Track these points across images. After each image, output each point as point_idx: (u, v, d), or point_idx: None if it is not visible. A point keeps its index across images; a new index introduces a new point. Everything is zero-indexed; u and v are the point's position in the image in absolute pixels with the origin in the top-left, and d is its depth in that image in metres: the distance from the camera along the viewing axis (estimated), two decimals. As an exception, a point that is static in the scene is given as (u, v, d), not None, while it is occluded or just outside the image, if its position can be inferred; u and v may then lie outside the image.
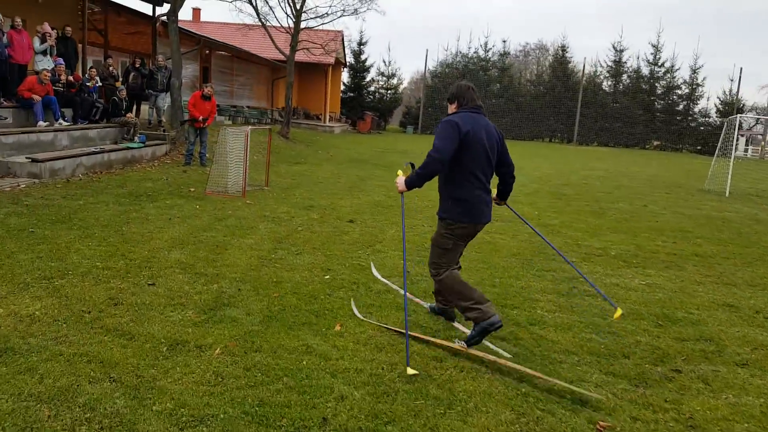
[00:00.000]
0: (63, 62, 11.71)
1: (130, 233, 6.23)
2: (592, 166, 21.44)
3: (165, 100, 14.50)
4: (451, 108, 3.85)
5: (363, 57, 41.15)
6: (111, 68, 14.09)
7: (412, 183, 3.66)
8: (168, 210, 7.63)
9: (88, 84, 12.54)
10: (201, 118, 12.00)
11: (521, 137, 39.57)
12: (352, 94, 41.31)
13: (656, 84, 39.91)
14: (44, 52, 11.72)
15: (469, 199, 3.72)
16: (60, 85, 11.61)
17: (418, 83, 57.65)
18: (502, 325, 3.69)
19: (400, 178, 3.78)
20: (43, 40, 11.84)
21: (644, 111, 39.37)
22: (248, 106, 27.42)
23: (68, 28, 13.00)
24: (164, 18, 17.38)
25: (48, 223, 6.35)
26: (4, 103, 10.66)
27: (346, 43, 35.66)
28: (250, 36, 28.63)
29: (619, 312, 3.99)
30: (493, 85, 41.00)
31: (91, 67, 12.88)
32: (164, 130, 13.98)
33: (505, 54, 42.50)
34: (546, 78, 41.97)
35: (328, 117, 34.34)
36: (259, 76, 30.66)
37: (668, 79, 39.81)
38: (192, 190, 9.29)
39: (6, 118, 10.12)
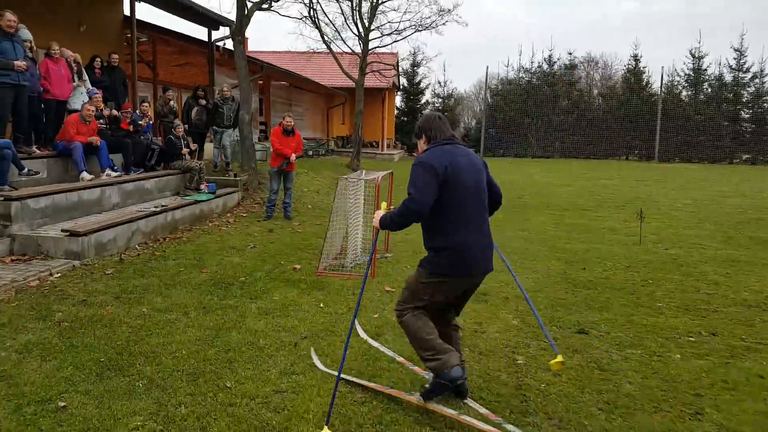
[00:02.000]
0: (97, 91, 9.13)
1: (242, 391, 3.36)
2: (732, 186, 17.94)
3: (232, 138, 11.89)
4: (421, 144, 3.30)
5: (417, 79, 38.57)
6: (171, 102, 11.53)
7: (386, 226, 3.19)
8: (281, 316, 4.78)
9: (140, 122, 9.98)
10: (293, 157, 9.33)
11: (596, 155, 36.06)
12: (405, 119, 38.69)
13: (742, 92, 35.96)
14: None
15: (454, 247, 3.07)
16: (102, 122, 9.04)
17: (470, 101, 54.90)
18: (463, 380, 3.14)
19: (379, 213, 3.28)
20: (78, 73, 9.37)
21: (730, 122, 35.43)
22: (305, 138, 24.93)
23: (115, 56, 10.54)
24: (222, 43, 15.01)
25: (93, 377, 3.53)
26: (37, 151, 8.15)
27: (404, 65, 33.23)
28: (302, 64, 26.39)
29: (558, 359, 3.36)
30: (561, 101, 37.72)
31: (143, 102, 10.34)
32: (235, 175, 11.33)
33: (571, 67, 39.27)
34: (620, 91, 38.45)
35: (385, 144, 31.70)
36: (314, 106, 28.35)
37: (756, 86, 35.83)
38: (297, 268, 6.44)
39: (38, 173, 7.54)
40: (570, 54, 39.17)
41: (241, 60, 11.65)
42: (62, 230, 6.26)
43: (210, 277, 5.90)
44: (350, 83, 31.35)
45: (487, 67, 57.45)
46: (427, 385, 3.28)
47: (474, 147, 37.53)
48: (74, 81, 9.32)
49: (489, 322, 4.79)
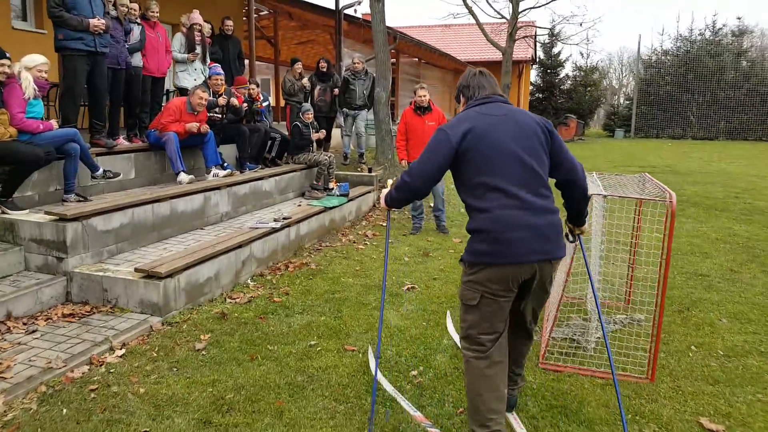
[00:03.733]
0: (220, 71, 7.08)
1: None
2: None
3: (366, 121, 9.52)
4: (461, 108, 2.68)
5: (555, 50, 34.37)
6: (303, 78, 9.27)
7: (390, 204, 2.69)
8: None
9: (254, 107, 7.84)
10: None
11: (772, 136, 30.19)
12: (540, 95, 34.73)
13: None
14: (185, 60, 7.28)
15: (490, 228, 2.34)
16: (217, 111, 6.96)
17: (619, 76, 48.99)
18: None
19: (385, 190, 2.78)
20: (190, 43, 7.35)
21: None
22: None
23: (229, 23, 8.50)
24: (352, 10, 12.72)
25: None
26: (124, 142, 6.21)
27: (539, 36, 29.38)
28: (432, 38, 23.73)
29: None
30: (727, 74, 31.91)
31: (251, 81, 8.10)
32: (369, 169, 8.96)
33: (740, 34, 33.15)
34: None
35: (520, 125, 28.26)
36: (442, 83, 25.57)
37: None
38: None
39: (117, 175, 5.53)
40: (739, 19, 33.11)
41: (379, 23, 9.21)
42: (135, 269, 4.11)
43: (358, 366, 3.47)
44: (484, 57, 28.51)
45: (639, 36, 50.99)
46: None
47: (624, 127, 32.96)
48: (181, 52, 7.36)
49: None
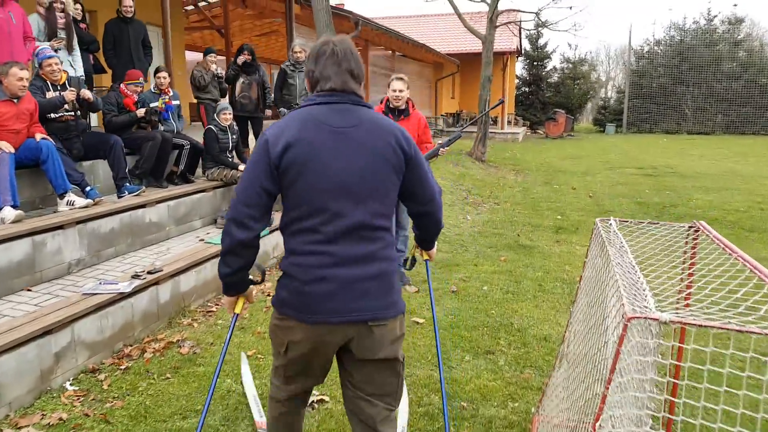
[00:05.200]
0: (52, 52, 5.02)
1: None
2: None
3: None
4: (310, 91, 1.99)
5: (541, 41, 32.61)
6: (215, 68, 7.40)
7: (223, 280, 1.97)
8: None
9: (155, 105, 5.98)
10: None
11: (772, 130, 28.69)
12: (527, 89, 33.00)
13: None
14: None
15: (293, 274, 1.86)
16: (67, 108, 5.01)
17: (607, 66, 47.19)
18: None
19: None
20: (50, 26, 5.49)
21: None
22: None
23: (128, 3, 6.63)
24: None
25: None
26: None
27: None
28: (406, 28, 21.86)
29: None
30: (725, 64, 30.32)
31: (158, 71, 6.22)
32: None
33: (736, 22, 31.58)
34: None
35: (506, 119, 26.48)
36: (421, 78, 23.73)
37: None
38: None
39: None
40: (735, 6, 31.60)
41: (321, 1, 7.34)
42: None
43: None
44: (461, 49, 26.65)
45: (630, 25, 49.10)
46: None
47: (615, 121, 31.32)
48: (40, 39, 5.49)
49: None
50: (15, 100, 4.36)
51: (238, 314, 2.11)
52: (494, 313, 4.45)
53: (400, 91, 4.55)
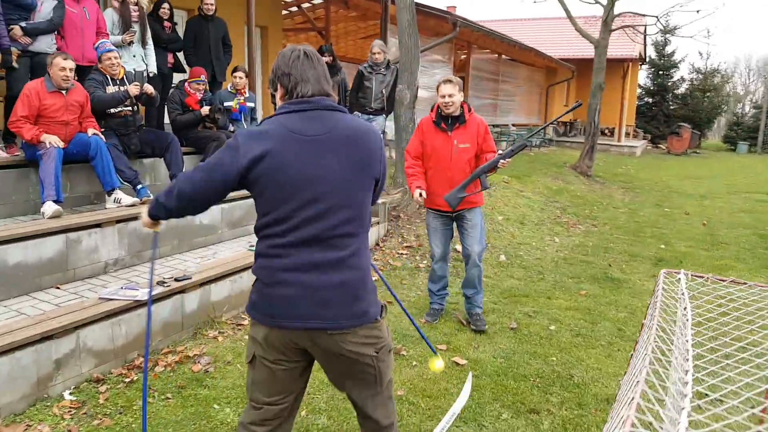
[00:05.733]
0: (112, 46, 4.86)
1: None
2: None
3: (382, 127, 7.29)
4: (277, 100, 1.98)
5: (669, 49, 30.00)
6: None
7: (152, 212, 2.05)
8: None
9: (226, 105, 5.87)
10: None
11: None
12: (650, 99, 30.48)
13: None
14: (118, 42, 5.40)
15: (260, 277, 1.92)
16: (126, 105, 4.93)
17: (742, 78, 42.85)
18: None
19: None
20: (124, 21, 5.52)
21: None
22: (514, 124, 19.51)
23: (210, 0, 6.62)
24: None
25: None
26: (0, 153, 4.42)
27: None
28: (516, 32, 20.83)
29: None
30: None
31: (235, 71, 6.02)
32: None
33: None
34: None
35: (623, 132, 24.56)
36: (530, 83, 22.64)
37: None
38: None
39: None
40: None
41: (403, 0, 6.92)
42: None
43: None
44: (576, 54, 25.07)
45: None
46: None
47: (749, 140, 28.14)
48: (114, 33, 5.54)
49: None
50: (63, 92, 4.34)
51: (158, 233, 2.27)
52: (554, 360, 3.78)
53: (450, 96, 3.98)
